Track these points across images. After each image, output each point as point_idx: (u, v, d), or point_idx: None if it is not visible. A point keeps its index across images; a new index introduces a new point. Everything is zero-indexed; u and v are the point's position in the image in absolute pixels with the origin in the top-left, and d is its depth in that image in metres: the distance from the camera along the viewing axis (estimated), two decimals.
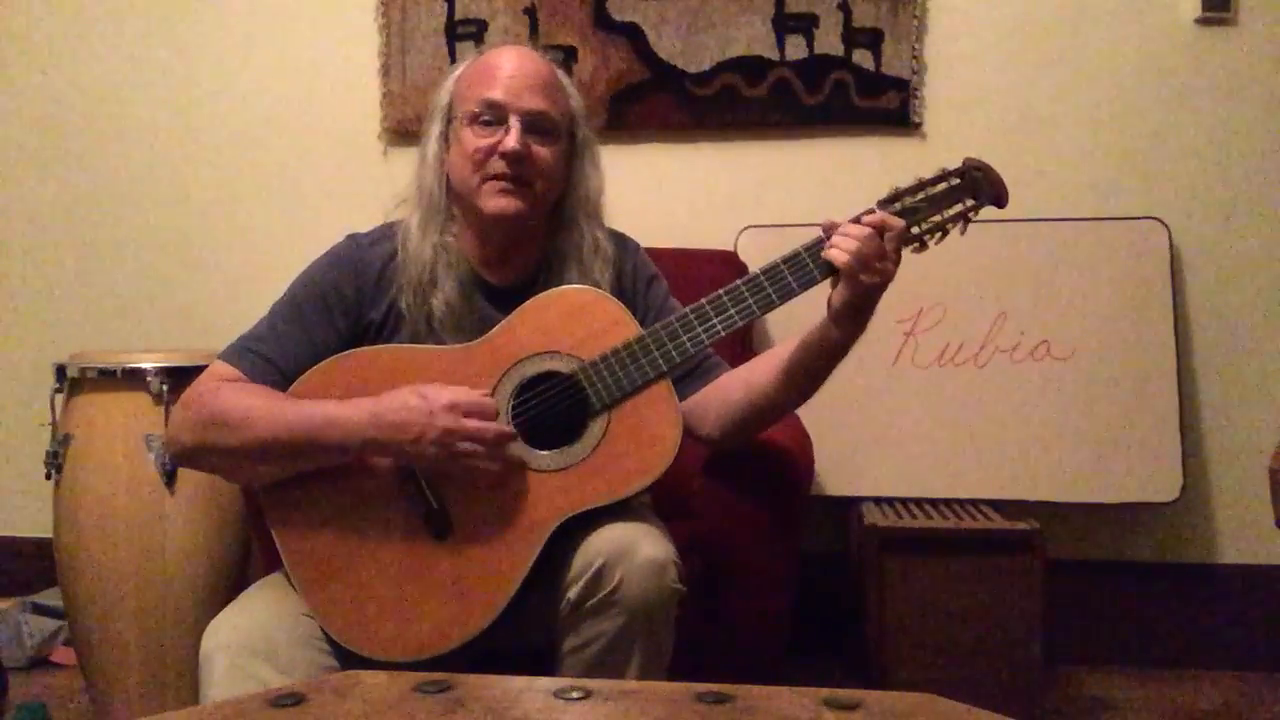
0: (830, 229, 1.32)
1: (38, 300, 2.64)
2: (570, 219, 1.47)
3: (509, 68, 1.41)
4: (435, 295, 1.40)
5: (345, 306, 1.41)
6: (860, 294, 1.30)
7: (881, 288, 1.30)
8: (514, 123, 1.38)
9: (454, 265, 1.42)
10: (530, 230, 1.46)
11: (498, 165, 1.38)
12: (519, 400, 1.35)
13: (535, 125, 1.40)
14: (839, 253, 1.29)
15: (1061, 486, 2.20)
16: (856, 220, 1.32)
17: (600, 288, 1.42)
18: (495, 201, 1.39)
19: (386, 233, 1.46)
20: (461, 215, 1.46)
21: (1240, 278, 2.31)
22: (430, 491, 1.32)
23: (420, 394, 1.27)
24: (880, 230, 1.29)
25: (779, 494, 1.58)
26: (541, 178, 1.41)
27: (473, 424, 1.26)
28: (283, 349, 1.37)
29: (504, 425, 1.30)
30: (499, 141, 1.38)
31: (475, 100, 1.40)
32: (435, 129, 1.46)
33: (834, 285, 1.32)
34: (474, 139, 1.40)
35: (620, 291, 1.47)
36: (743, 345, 2.09)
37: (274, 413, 1.29)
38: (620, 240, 1.53)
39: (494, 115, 1.39)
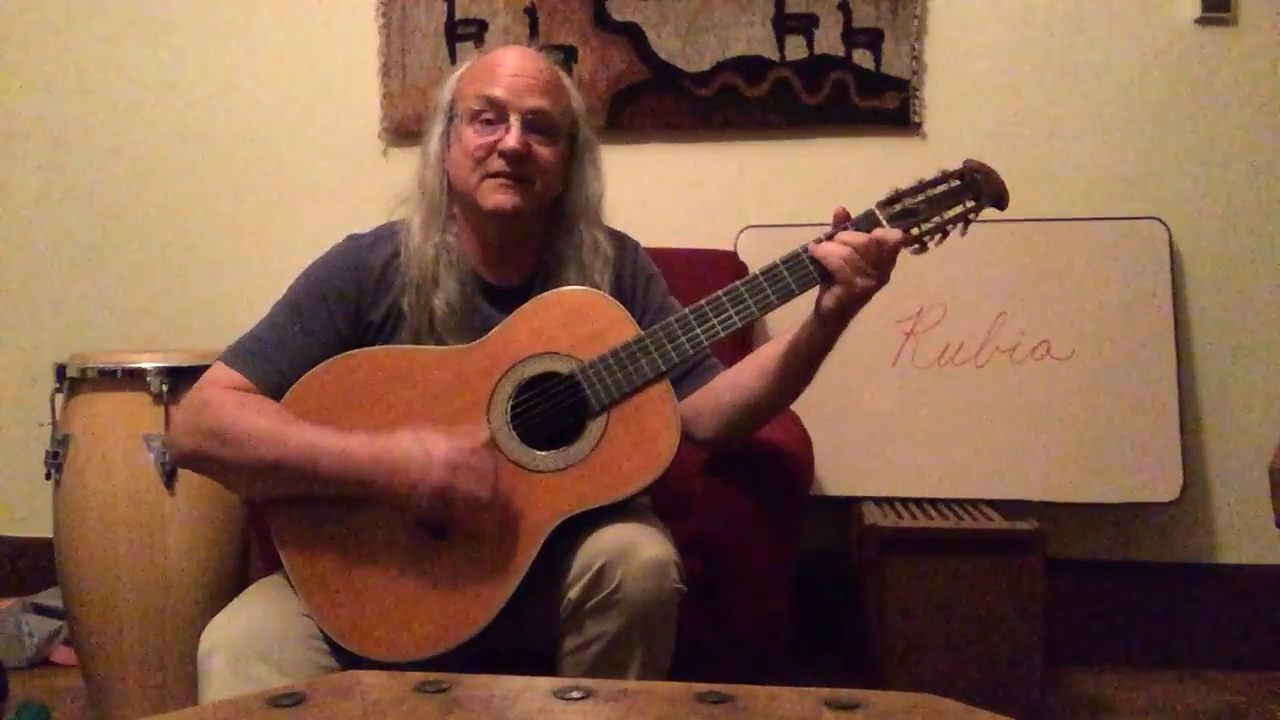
0: (840, 218, 1.33)
1: (38, 300, 2.64)
2: (570, 221, 1.47)
3: (511, 66, 1.41)
4: (437, 295, 1.40)
5: (345, 308, 1.41)
6: (852, 297, 1.30)
7: (874, 291, 1.31)
8: (514, 121, 1.38)
9: (455, 265, 1.42)
10: (529, 230, 1.46)
11: (497, 163, 1.38)
12: (518, 401, 1.35)
13: (536, 124, 1.40)
14: (834, 257, 1.29)
15: (1061, 486, 2.20)
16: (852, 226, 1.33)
17: (599, 289, 1.42)
18: (494, 197, 1.39)
19: (386, 232, 1.46)
20: (461, 214, 1.46)
21: (1240, 278, 2.31)
22: None
23: (421, 443, 1.25)
24: (878, 243, 1.29)
25: (779, 494, 1.58)
26: (541, 177, 1.41)
27: (467, 485, 1.25)
28: (283, 351, 1.37)
29: (495, 481, 1.27)
30: (499, 139, 1.38)
31: (476, 98, 1.40)
32: (437, 127, 1.46)
33: (825, 287, 1.32)
34: (475, 137, 1.40)
35: (619, 292, 1.47)
36: (741, 346, 2.08)
37: (275, 436, 1.27)
38: (619, 240, 1.53)
39: (495, 113, 1.39)
